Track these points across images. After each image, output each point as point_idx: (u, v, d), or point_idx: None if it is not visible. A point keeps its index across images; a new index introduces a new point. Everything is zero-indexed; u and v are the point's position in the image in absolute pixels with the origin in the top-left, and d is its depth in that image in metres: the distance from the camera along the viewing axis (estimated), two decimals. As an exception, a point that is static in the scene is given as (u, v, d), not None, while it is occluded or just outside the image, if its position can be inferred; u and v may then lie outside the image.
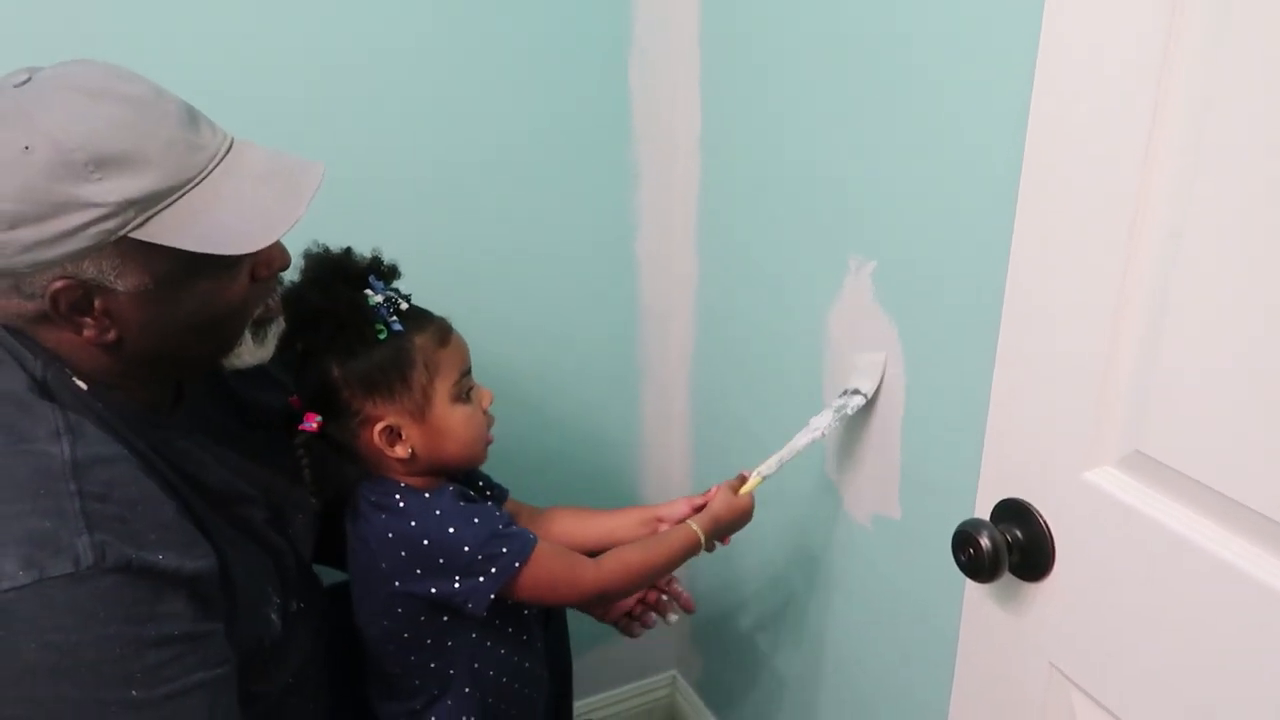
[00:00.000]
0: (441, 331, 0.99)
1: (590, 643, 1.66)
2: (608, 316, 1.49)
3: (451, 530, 0.96)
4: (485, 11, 1.23)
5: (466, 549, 0.95)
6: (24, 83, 0.72)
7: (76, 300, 0.74)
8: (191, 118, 0.76)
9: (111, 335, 0.76)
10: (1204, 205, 0.60)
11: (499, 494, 1.16)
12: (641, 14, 1.32)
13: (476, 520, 0.97)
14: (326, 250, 0.97)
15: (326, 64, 1.18)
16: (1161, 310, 0.65)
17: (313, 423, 0.94)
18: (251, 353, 0.86)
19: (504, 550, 0.96)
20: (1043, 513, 0.78)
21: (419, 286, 1.28)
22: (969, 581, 0.86)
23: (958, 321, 0.96)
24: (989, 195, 0.88)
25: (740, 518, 1.12)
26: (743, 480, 1.13)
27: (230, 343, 0.85)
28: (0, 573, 0.66)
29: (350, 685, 1.08)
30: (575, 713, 1.67)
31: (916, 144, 0.97)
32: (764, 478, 1.11)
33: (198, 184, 0.74)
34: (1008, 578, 0.82)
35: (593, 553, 1.06)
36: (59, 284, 0.72)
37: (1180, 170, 0.61)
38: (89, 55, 0.78)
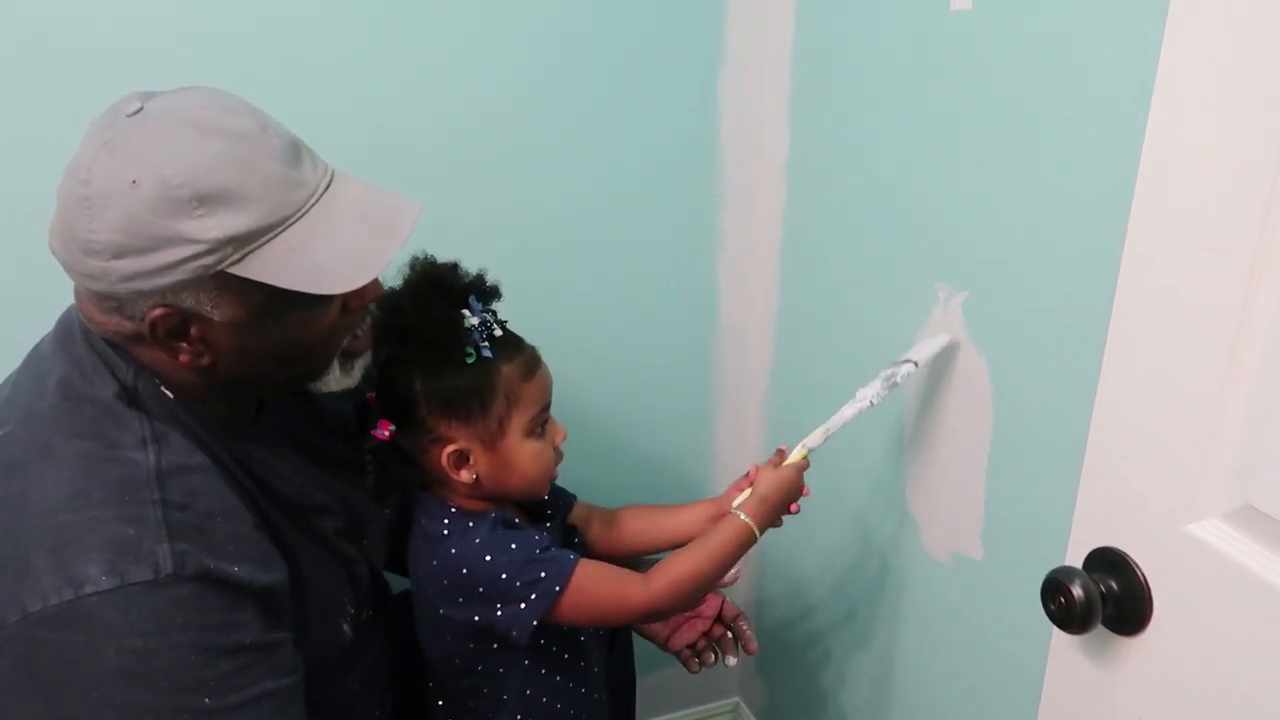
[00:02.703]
0: (529, 364, 0.97)
1: (654, 664, 1.64)
2: (687, 336, 1.48)
3: (489, 558, 0.93)
4: (576, 29, 1.24)
5: (505, 576, 0.93)
6: (136, 112, 0.72)
7: (174, 327, 0.75)
8: (294, 153, 0.76)
9: (206, 360, 0.78)
10: None
11: (565, 503, 1.14)
12: (733, 31, 1.31)
13: (514, 546, 0.95)
14: (432, 262, 0.96)
15: (426, 94, 1.21)
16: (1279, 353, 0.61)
17: (385, 431, 0.94)
18: (338, 381, 0.87)
19: (542, 575, 0.93)
20: (1140, 564, 0.73)
21: (504, 309, 1.31)
22: (1056, 631, 0.82)
23: (1053, 358, 0.92)
24: (1091, 229, 0.85)
25: (789, 491, 1.03)
26: (782, 455, 1.06)
27: (319, 370, 0.86)
28: (85, 577, 0.67)
29: (415, 694, 1.08)
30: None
31: (1016, 174, 0.94)
32: (809, 449, 1.04)
33: (295, 222, 0.74)
34: (1099, 630, 0.78)
35: (669, 549, 1.04)
36: (158, 312, 0.73)
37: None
38: (205, 76, 0.80)
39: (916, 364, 1.03)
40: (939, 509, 1.14)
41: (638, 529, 1.15)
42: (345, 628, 0.92)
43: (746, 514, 1.01)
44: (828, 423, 1.04)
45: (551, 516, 1.09)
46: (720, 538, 1.00)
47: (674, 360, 1.48)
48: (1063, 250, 0.89)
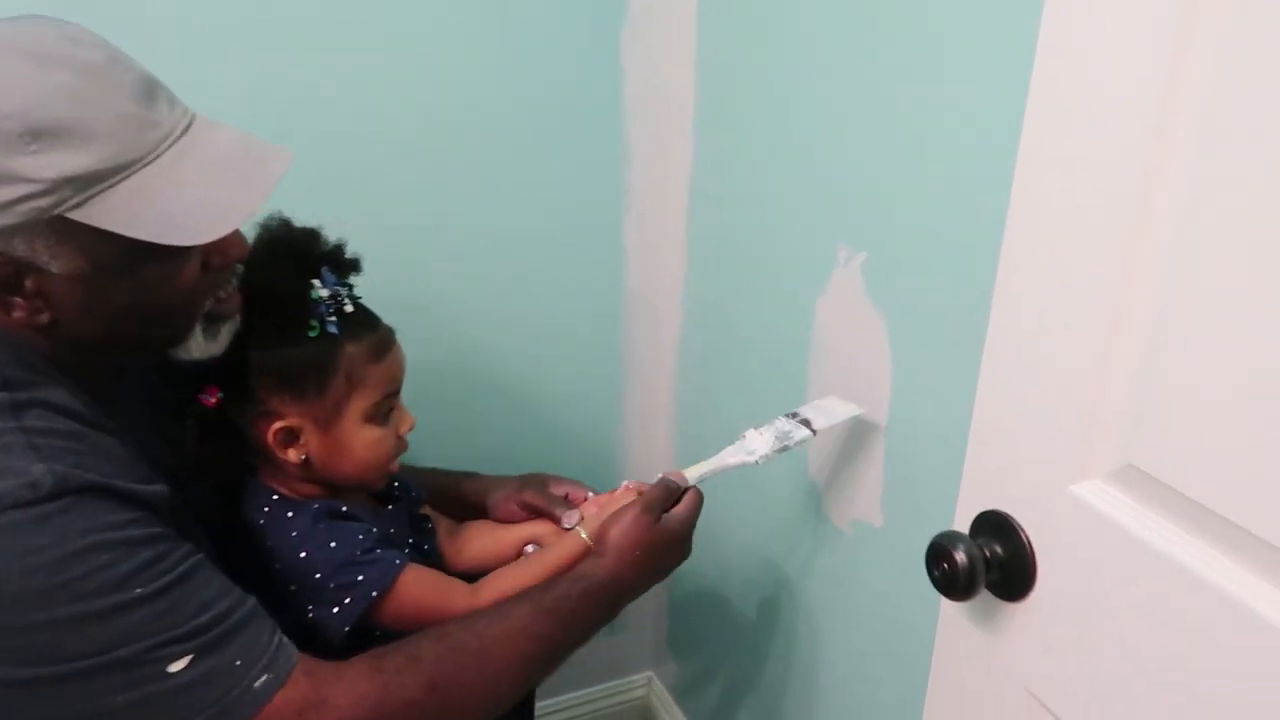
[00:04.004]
0: (379, 345, 0.91)
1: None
2: (593, 301, 1.43)
3: (304, 555, 0.87)
4: (471, -21, 1.18)
5: (318, 576, 0.87)
6: None
7: (6, 279, 0.68)
8: (149, 91, 0.70)
9: (45, 318, 0.71)
10: (1209, 208, 0.54)
11: (416, 498, 1.06)
12: (636, -14, 1.26)
13: (333, 544, 0.88)
14: (287, 226, 0.89)
15: (303, 30, 1.13)
16: (1163, 316, 0.58)
17: (212, 397, 0.87)
18: (201, 348, 0.81)
19: (359, 579, 0.87)
20: (1025, 527, 0.72)
21: (393, 266, 1.24)
22: (944, 598, 0.80)
23: (948, 320, 0.90)
24: (982, 191, 0.82)
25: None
26: (672, 491, 0.95)
27: (178, 334, 0.79)
28: None
29: None
30: (541, 712, 1.62)
31: (911, 135, 0.91)
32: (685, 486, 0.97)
33: (147, 165, 0.68)
34: (986, 596, 0.76)
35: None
36: None
37: (1185, 172, 0.56)
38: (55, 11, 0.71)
39: (815, 433, 0.98)
40: (840, 476, 1.12)
41: (484, 544, 1.08)
42: None
43: (589, 534, 0.95)
44: (707, 464, 0.97)
45: (397, 500, 1.02)
46: (554, 556, 0.95)
47: (581, 324, 1.44)
48: (955, 212, 0.87)
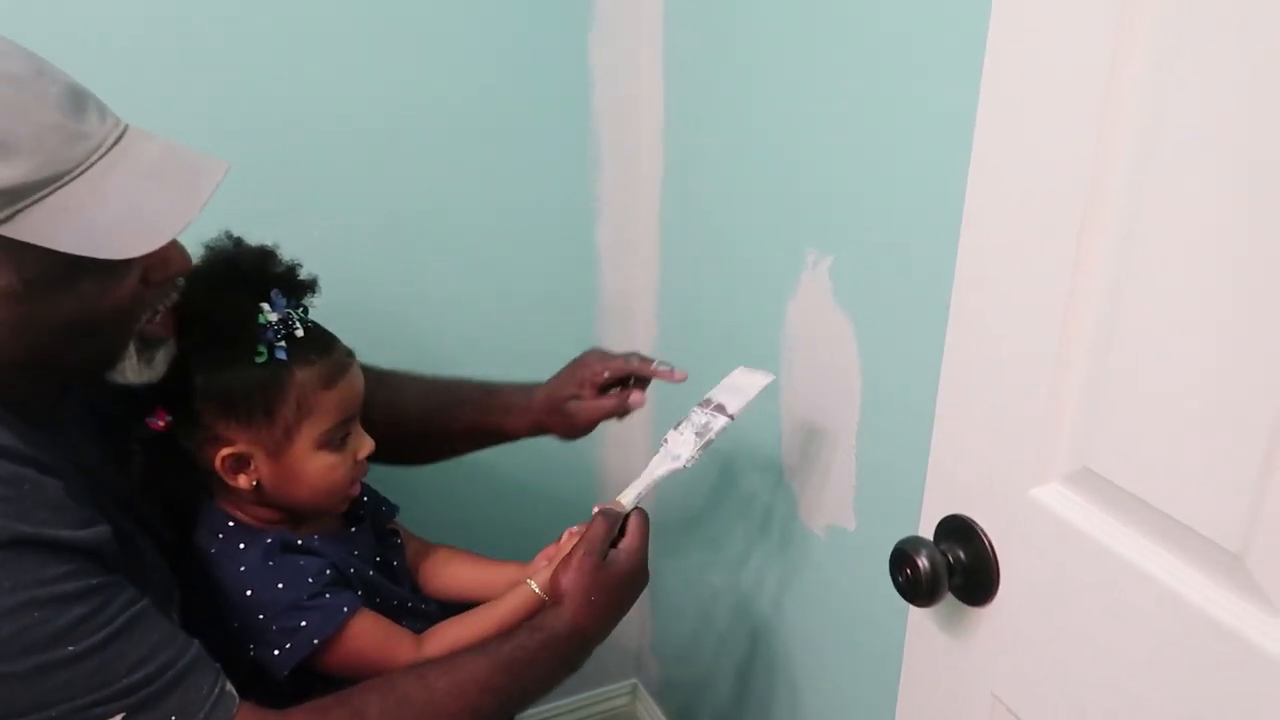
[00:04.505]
0: (331, 371, 0.87)
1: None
2: (566, 306, 1.42)
3: (249, 593, 0.85)
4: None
5: (261, 617, 0.84)
6: None
7: None
8: (77, 102, 0.68)
9: None
10: (1156, 214, 0.55)
11: (386, 512, 1.04)
12: (602, -9, 1.26)
13: (280, 585, 0.85)
14: (237, 244, 0.87)
15: (290, 59, 1.13)
16: (1112, 319, 0.58)
17: (160, 420, 0.84)
18: (136, 372, 0.77)
19: (302, 624, 0.84)
20: (987, 532, 0.71)
21: (359, 274, 1.23)
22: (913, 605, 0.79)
23: (914, 324, 0.89)
24: (946, 197, 0.81)
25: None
26: (613, 525, 0.91)
27: (113, 353, 0.76)
28: None
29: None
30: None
31: (875, 139, 0.91)
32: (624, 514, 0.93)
33: (76, 177, 0.66)
34: (950, 601, 0.76)
35: (470, 604, 0.96)
36: None
37: (1131, 180, 0.56)
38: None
39: (733, 417, 0.95)
40: (813, 480, 1.11)
41: (445, 575, 1.05)
42: (173, 614, 0.85)
43: (539, 586, 0.91)
44: (638, 484, 0.93)
45: (362, 520, 0.99)
46: (504, 608, 0.92)
47: (555, 333, 1.42)
48: (919, 218, 0.86)
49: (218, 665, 0.74)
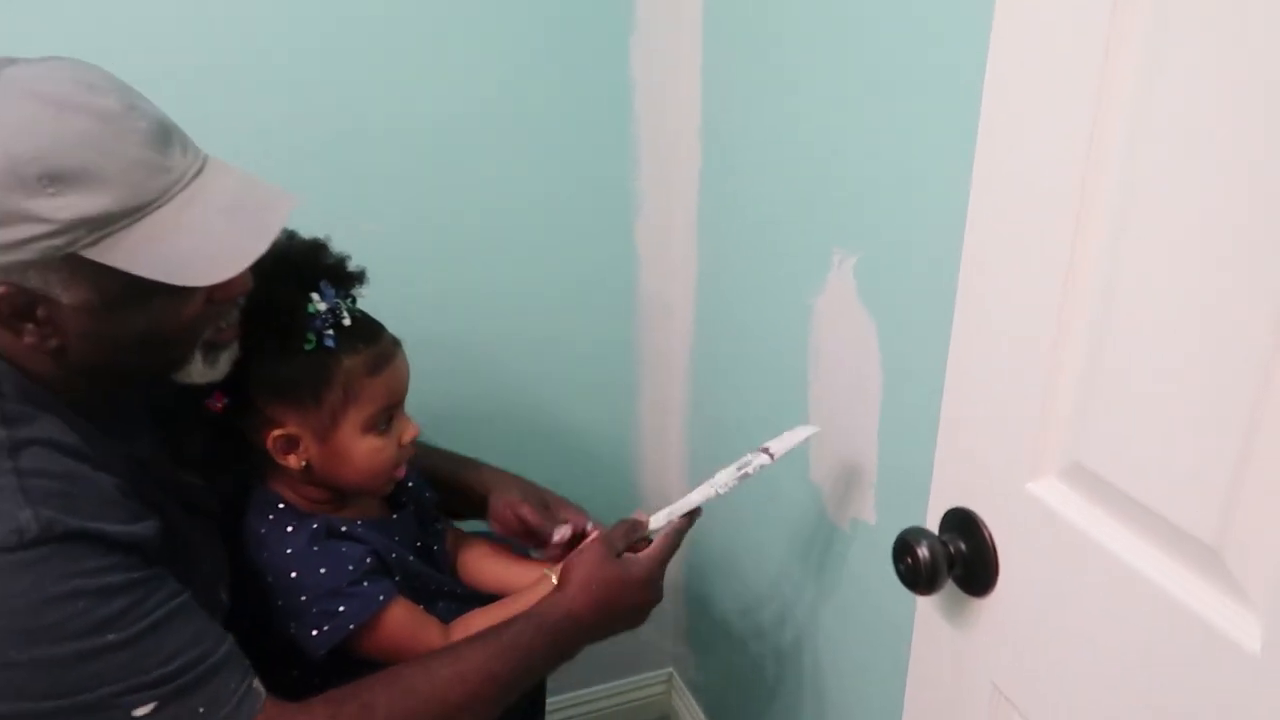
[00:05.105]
0: (378, 359, 0.92)
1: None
2: (606, 302, 1.46)
3: (294, 575, 0.90)
4: (484, -4, 1.22)
5: (303, 599, 0.90)
6: None
7: (19, 307, 0.72)
8: (163, 137, 0.73)
9: (53, 343, 0.75)
10: (1133, 236, 0.57)
11: (430, 499, 1.09)
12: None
13: (323, 570, 0.91)
14: (290, 237, 0.92)
15: (321, 39, 1.18)
16: (1104, 316, 0.60)
17: (219, 402, 0.90)
18: (201, 373, 0.84)
19: (340, 609, 0.90)
20: (988, 524, 0.73)
21: (409, 268, 1.29)
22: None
23: (931, 323, 0.91)
24: (961, 201, 0.83)
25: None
26: (635, 528, 0.97)
27: (179, 362, 0.83)
28: None
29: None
30: (564, 705, 1.66)
31: (899, 141, 0.93)
32: (651, 532, 0.99)
33: (158, 208, 0.72)
34: (956, 592, 0.78)
35: (494, 596, 1.02)
36: (1, 290, 0.71)
37: (1121, 183, 0.58)
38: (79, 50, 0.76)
39: (773, 457, 0.99)
40: (839, 476, 1.14)
41: (476, 567, 1.11)
42: (223, 594, 0.91)
43: (557, 578, 0.95)
44: (672, 508, 0.99)
45: (403, 506, 1.05)
46: (525, 600, 0.96)
47: (595, 329, 1.47)
48: (938, 219, 0.88)
49: (248, 662, 0.79)
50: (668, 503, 1.01)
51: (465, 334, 1.39)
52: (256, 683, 0.79)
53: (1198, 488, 0.55)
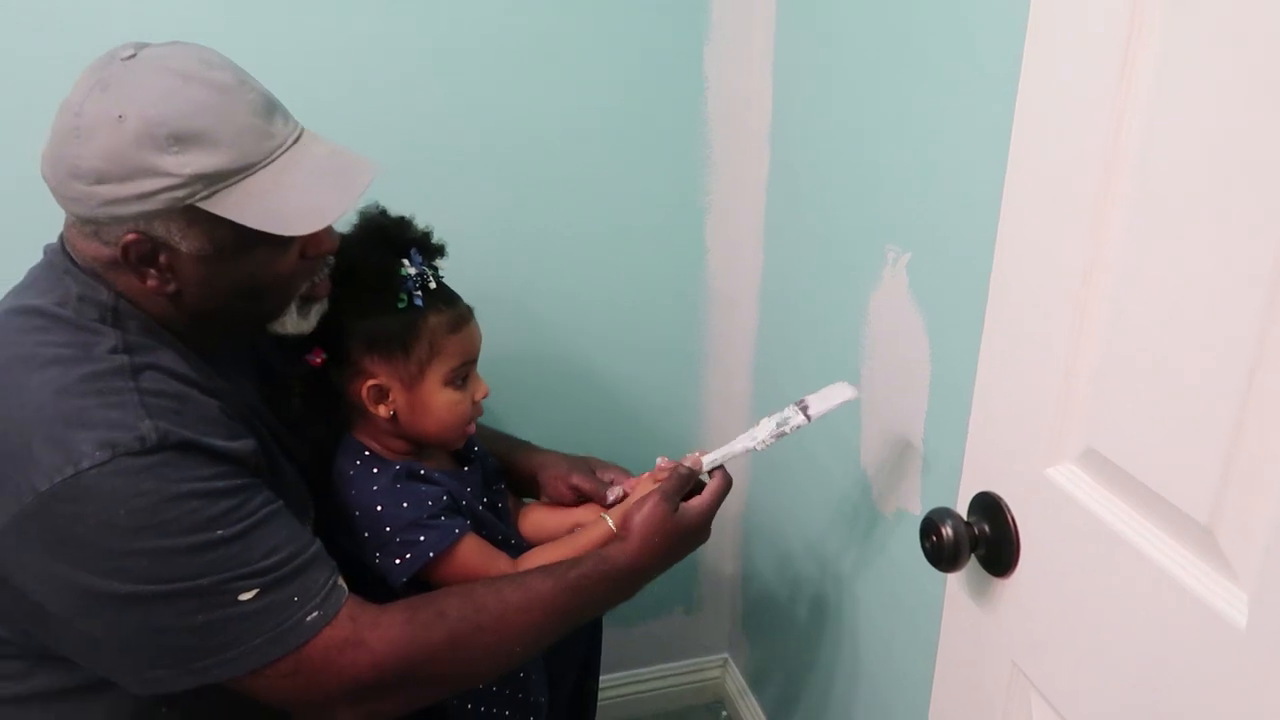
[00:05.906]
0: (458, 318, 1.03)
1: (645, 615, 1.73)
2: (675, 299, 1.53)
3: (380, 508, 1.01)
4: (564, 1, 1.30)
5: (388, 529, 1.00)
6: (130, 57, 0.82)
7: (144, 253, 0.84)
8: (268, 108, 0.85)
9: (171, 287, 0.86)
10: (1147, 237, 0.61)
11: (493, 464, 1.18)
12: (718, 5, 1.35)
13: (405, 505, 1.01)
14: (383, 214, 1.04)
15: (420, 66, 1.28)
16: (1116, 312, 0.64)
17: (318, 357, 1.01)
18: (295, 324, 0.95)
19: (421, 539, 1.00)
20: (1011, 507, 0.77)
21: (498, 261, 1.38)
22: (949, 575, 0.86)
23: (975, 319, 0.95)
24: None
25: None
26: (689, 478, 1.04)
27: (276, 311, 0.94)
28: (81, 454, 0.77)
29: None
30: (620, 682, 1.72)
31: (951, 145, 0.97)
32: (704, 471, 1.06)
33: (263, 168, 0.83)
34: (981, 573, 0.82)
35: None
36: (131, 237, 0.82)
37: (1137, 186, 0.61)
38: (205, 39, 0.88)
39: (810, 419, 1.05)
40: (886, 466, 1.18)
41: (538, 518, 1.20)
42: (309, 526, 1.00)
43: (615, 522, 1.03)
44: (719, 451, 1.06)
45: (473, 462, 1.15)
46: (584, 539, 1.05)
47: (666, 323, 1.54)
48: (981, 219, 0.92)
49: (334, 563, 0.89)
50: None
51: (546, 324, 1.48)
52: (341, 581, 0.88)
53: (1193, 470, 0.58)
